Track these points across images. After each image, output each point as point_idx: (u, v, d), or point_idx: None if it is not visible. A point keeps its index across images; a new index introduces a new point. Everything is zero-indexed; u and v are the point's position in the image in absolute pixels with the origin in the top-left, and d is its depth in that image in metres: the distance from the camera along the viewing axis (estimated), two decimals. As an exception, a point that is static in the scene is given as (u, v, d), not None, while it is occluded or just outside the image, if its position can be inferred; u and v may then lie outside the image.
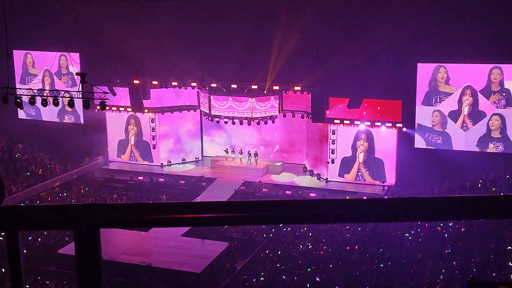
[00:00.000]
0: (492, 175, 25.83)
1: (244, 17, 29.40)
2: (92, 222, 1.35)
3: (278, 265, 21.65)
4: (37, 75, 35.31)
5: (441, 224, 22.25)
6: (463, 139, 28.27)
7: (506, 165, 26.06)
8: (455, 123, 28.36)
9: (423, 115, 28.67)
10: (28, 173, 30.93)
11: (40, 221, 1.40)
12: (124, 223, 1.38)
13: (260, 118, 30.61)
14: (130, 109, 33.00)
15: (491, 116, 27.63)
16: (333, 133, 29.91)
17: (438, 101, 28.45)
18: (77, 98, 23.87)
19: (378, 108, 28.89)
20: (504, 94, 27.31)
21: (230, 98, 30.41)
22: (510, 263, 18.58)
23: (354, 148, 29.85)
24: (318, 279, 19.97)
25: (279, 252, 22.80)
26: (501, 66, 27.17)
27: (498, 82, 27.32)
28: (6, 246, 1.40)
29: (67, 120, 35.27)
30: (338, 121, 29.44)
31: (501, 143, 27.59)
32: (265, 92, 30.16)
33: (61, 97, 25.59)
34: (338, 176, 30.09)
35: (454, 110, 28.29)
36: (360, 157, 29.66)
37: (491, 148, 27.66)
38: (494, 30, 25.57)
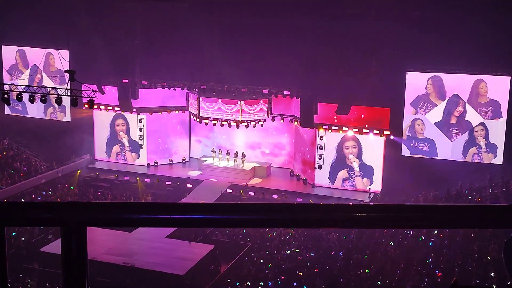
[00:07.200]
0: (477, 185, 26.05)
1: (234, 19, 29.41)
2: (80, 219, 1.35)
3: (262, 269, 21.62)
4: (23, 72, 35.06)
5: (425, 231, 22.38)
6: (449, 148, 28.53)
7: (491, 176, 26.30)
8: (442, 132, 28.63)
9: (407, 123, 29.07)
10: (12, 170, 30.62)
11: (27, 218, 1.39)
12: (111, 221, 1.38)
13: (249, 121, 30.60)
14: (118, 108, 32.86)
15: (476, 126, 27.96)
16: (321, 138, 29.99)
17: (422, 107, 28.78)
18: (65, 95, 23.69)
19: (362, 116, 29.01)
20: (491, 107, 27.61)
21: (219, 100, 30.40)
22: (492, 274, 18.71)
23: (342, 155, 29.88)
24: (295, 285, 19.98)
25: (265, 256, 22.78)
26: (484, 79, 27.49)
27: (486, 94, 27.64)
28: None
29: (54, 117, 35.03)
30: (326, 127, 29.54)
31: (487, 151, 27.92)
32: (254, 95, 30.19)
33: (48, 94, 25.39)
34: (328, 178, 30.11)
35: (439, 121, 28.63)
36: (355, 165, 29.67)
37: (482, 155, 27.95)
38: (482, 41, 25.83)
